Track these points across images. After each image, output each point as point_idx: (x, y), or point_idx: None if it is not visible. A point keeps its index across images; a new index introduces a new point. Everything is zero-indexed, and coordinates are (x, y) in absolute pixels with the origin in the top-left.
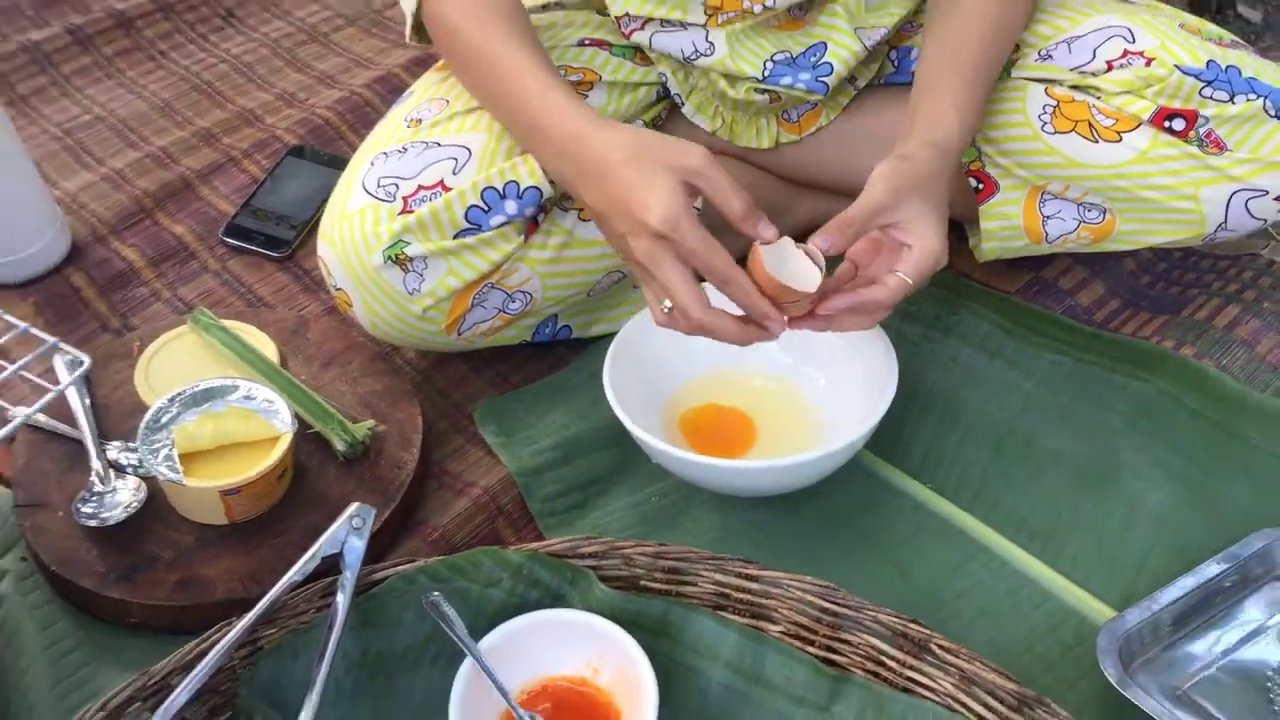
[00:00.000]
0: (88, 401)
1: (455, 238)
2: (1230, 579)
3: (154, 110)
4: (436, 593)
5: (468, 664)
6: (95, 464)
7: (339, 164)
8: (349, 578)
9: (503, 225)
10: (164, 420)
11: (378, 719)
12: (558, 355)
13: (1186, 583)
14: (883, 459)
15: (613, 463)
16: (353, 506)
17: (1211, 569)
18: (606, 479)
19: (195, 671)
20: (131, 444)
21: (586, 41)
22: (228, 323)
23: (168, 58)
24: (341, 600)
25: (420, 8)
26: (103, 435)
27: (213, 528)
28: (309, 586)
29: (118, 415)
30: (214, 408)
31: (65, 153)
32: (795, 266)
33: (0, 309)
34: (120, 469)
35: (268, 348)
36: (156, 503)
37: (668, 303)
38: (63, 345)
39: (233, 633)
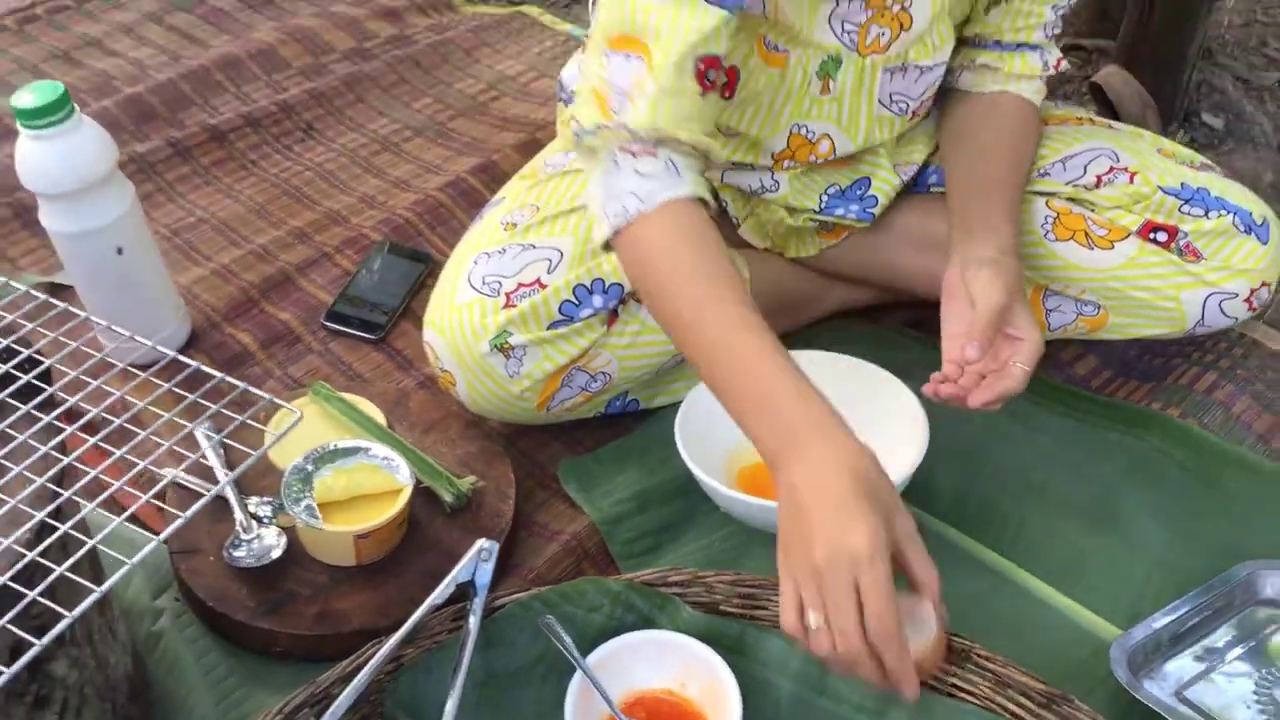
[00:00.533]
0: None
1: (550, 328)
2: (1217, 604)
3: (250, 212)
4: (550, 616)
5: (578, 677)
6: (239, 515)
7: (420, 258)
8: (478, 602)
9: (590, 317)
10: (303, 475)
11: None
12: (624, 423)
13: (1181, 607)
14: (916, 505)
15: (680, 513)
16: (481, 541)
17: (1202, 596)
18: (676, 527)
19: (355, 681)
20: (266, 498)
21: None
22: (342, 394)
23: (258, 166)
24: (474, 621)
25: (619, 231)
26: (241, 491)
27: (342, 569)
28: (441, 611)
29: (251, 474)
30: (344, 464)
31: (175, 250)
32: (913, 614)
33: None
34: (259, 520)
35: (377, 415)
36: (292, 548)
37: (816, 618)
38: (278, 400)
39: (384, 648)
